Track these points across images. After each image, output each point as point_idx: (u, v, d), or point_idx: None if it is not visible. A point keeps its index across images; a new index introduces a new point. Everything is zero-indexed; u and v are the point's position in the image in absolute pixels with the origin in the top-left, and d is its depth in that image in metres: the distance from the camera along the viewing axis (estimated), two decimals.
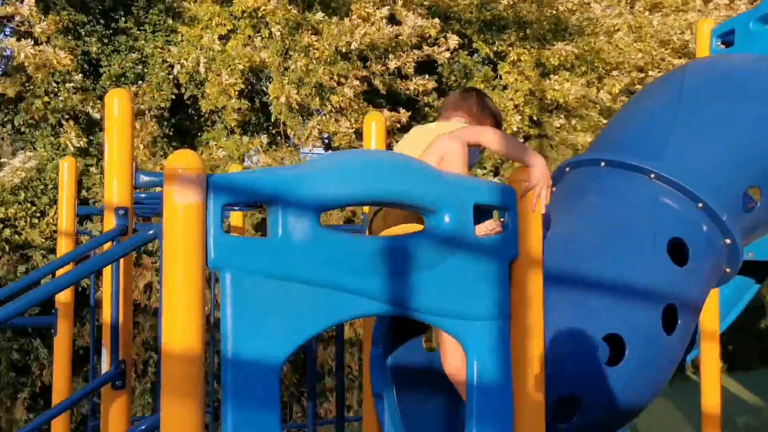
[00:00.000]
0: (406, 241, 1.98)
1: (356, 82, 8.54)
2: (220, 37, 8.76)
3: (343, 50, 8.48)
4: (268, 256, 1.80)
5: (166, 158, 8.58)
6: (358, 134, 8.45)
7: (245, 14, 8.68)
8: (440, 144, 2.43)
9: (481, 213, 2.27)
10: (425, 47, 9.04)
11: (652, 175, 2.81)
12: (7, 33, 7.94)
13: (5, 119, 8.39)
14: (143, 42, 8.80)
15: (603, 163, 2.96)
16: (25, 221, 8.17)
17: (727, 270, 2.94)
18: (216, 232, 1.75)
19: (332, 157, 2.08)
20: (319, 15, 8.76)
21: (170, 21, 8.94)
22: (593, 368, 2.46)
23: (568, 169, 3.12)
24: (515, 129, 9.79)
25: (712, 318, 3.88)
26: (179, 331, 1.70)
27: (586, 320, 2.49)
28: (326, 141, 9.64)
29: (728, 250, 2.84)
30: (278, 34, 8.55)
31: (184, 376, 1.70)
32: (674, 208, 2.77)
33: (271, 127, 9.31)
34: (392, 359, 2.96)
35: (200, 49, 8.65)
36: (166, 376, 1.70)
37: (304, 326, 1.85)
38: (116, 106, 2.64)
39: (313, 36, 8.56)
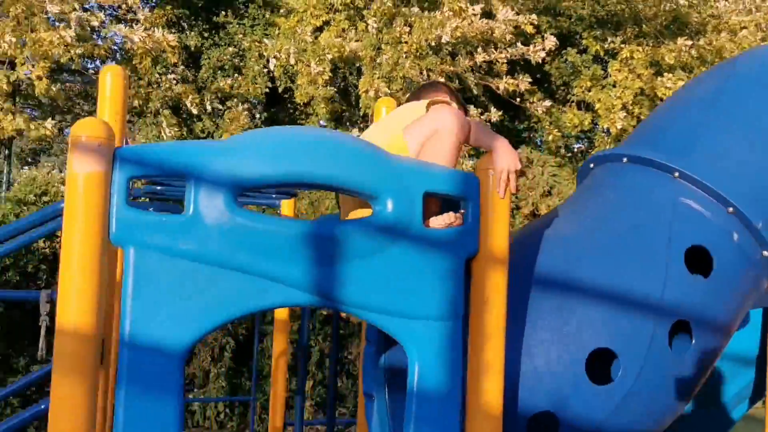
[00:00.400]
0: (336, 227, 1.82)
1: (443, 78, 8.34)
2: (315, 29, 8.84)
3: (433, 44, 8.31)
4: (175, 234, 1.70)
5: None
6: None
7: (342, 5, 8.71)
8: (438, 116, 2.16)
9: (451, 204, 2.07)
10: (520, 46, 8.69)
11: (676, 174, 2.47)
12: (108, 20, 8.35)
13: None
14: (241, 36, 9.02)
15: (625, 159, 2.64)
16: None
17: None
18: (119, 205, 1.67)
19: (258, 132, 1.95)
20: (415, 9, 8.64)
21: (268, 14, 9.11)
22: (576, 385, 2.18)
23: (592, 165, 2.81)
24: (619, 127, 9.25)
25: None
26: (73, 309, 1.64)
27: (575, 331, 2.22)
28: None
29: (765, 264, 2.46)
30: (373, 27, 8.51)
31: (75, 355, 1.63)
32: (699, 212, 2.42)
33: (359, 121, 9.30)
34: (386, 358, 2.79)
35: (294, 41, 8.76)
36: (57, 354, 1.64)
37: (213, 312, 1.73)
38: (109, 83, 2.62)
39: (405, 28, 8.45)
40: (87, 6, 7.85)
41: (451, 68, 8.54)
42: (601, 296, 2.25)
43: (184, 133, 9.12)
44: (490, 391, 1.95)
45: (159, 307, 1.69)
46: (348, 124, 9.48)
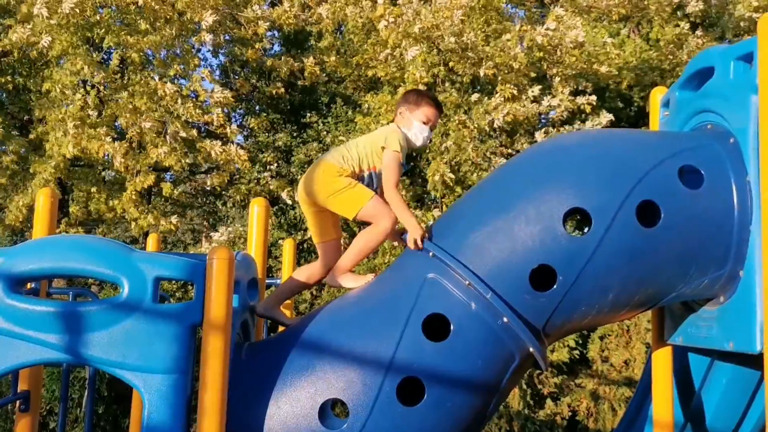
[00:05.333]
0: (83, 307, 2.57)
1: (502, 159, 8.80)
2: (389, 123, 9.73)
3: (486, 128, 8.85)
4: None
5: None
6: None
7: None
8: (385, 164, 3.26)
9: None
10: (578, 123, 8.97)
11: (431, 254, 2.94)
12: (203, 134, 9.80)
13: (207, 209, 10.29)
14: (325, 133, 10.15)
15: None
16: None
17: (530, 350, 2.88)
18: None
19: (34, 240, 2.76)
20: (475, 96, 9.27)
21: (350, 113, 10.18)
22: (311, 429, 2.69)
23: None
24: None
25: (663, 408, 3.61)
26: None
27: (312, 384, 2.74)
28: None
29: (509, 329, 2.82)
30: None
31: None
32: (443, 286, 2.87)
33: (432, 204, 9.94)
34: None
35: None
36: None
37: None
38: (41, 206, 3.59)
39: (464, 115, 9.07)
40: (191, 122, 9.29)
41: (509, 150, 8.99)
42: (339, 355, 2.77)
43: (282, 220, 10.30)
44: (209, 429, 2.55)
45: None
46: (415, 206, 10.15)
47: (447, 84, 9.20)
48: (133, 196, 8.63)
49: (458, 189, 9.20)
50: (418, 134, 3.38)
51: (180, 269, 2.63)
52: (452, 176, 9.00)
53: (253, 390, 2.77)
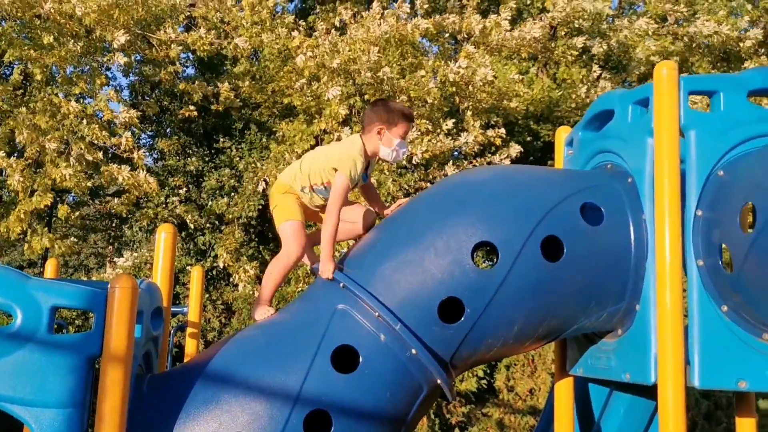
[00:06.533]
0: None
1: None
2: (303, 152, 9.71)
3: (405, 162, 8.95)
4: None
5: (251, 261, 9.61)
6: None
7: (330, 129, 9.55)
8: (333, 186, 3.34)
9: None
10: (488, 155, 9.22)
11: (341, 285, 2.94)
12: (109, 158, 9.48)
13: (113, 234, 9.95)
14: (238, 159, 10.01)
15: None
16: None
17: (438, 381, 2.91)
18: None
19: None
20: None
21: (264, 139, 10.09)
22: None
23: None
24: None
25: None
26: None
27: (215, 419, 2.67)
28: None
29: (417, 360, 2.84)
30: None
31: None
32: (352, 317, 2.87)
33: None
34: None
35: (283, 164, 9.65)
36: None
37: None
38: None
39: None
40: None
41: (426, 183, 9.12)
42: (246, 387, 2.71)
43: (190, 246, 10.06)
44: None
45: None
46: None
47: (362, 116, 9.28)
48: (23, 216, 8.20)
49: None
50: (399, 150, 3.47)
51: (78, 298, 2.52)
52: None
53: (155, 425, 2.67)
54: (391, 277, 2.91)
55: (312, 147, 9.78)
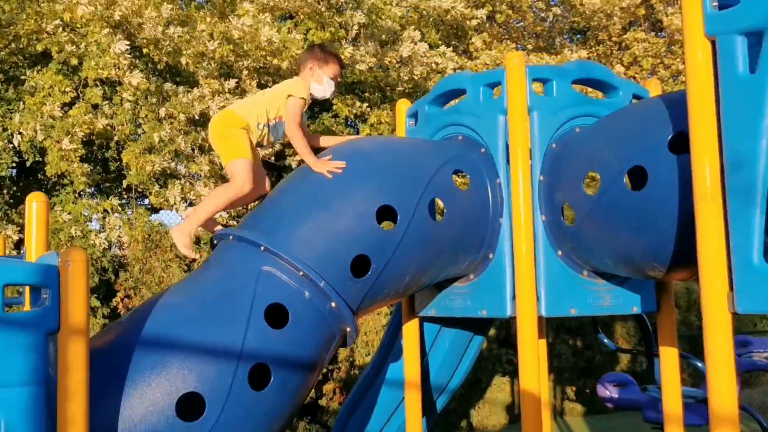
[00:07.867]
0: None
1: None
2: (64, 105, 8.97)
3: (196, 118, 8.77)
4: None
5: (9, 225, 8.77)
6: None
7: (94, 81, 8.92)
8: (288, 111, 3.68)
9: None
10: None
11: (262, 248, 3.17)
12: None
13: None
14: None
15: (231, 237, 3.32)
16: None
17: (348, 329, 3.30)
18: None
19: None
20: (168, 85, 9.05)
21: (11, 91, 9.12)
22: (170, 425, 2.74)
23: (215, 241, 3.47)
24: None
25: (411, 369, 4.27)
26: None
27: (167, 381, 2.79)
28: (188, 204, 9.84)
29: (336, 312, 3.20)
30: (129, 102, 8.79)
31: None
32: (278, 277, 3.13)
33: (123, 192, 9.51)
34: None
35: (41, 117, 8.85)
36: None
37: None
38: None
39: (167, 105, 8.83)
40: None
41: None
42: (191, 350, 2.85)
43: None
44: None
45: None
46: (106, 193, 9.64)
47: (139, 71, 8.84)
48: None
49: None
50: (327, 88, 3.84)
51: (34, 274, 2.45)
52: (155, 165, 8.69)
53: (105, 397, 2.69)
54: (310, 240, 3.21)
55: (76, 98, 9.14)
